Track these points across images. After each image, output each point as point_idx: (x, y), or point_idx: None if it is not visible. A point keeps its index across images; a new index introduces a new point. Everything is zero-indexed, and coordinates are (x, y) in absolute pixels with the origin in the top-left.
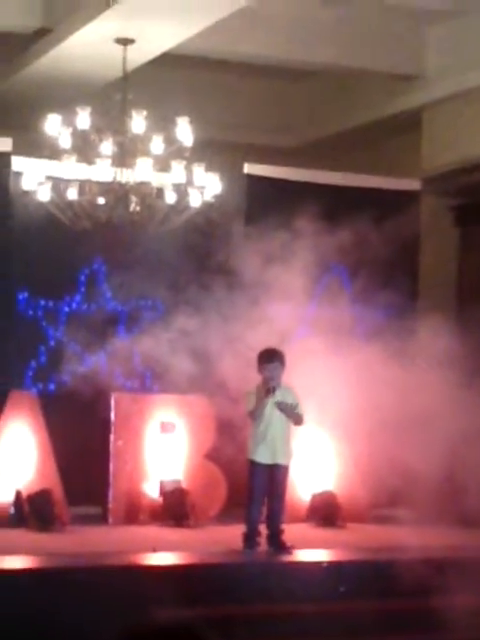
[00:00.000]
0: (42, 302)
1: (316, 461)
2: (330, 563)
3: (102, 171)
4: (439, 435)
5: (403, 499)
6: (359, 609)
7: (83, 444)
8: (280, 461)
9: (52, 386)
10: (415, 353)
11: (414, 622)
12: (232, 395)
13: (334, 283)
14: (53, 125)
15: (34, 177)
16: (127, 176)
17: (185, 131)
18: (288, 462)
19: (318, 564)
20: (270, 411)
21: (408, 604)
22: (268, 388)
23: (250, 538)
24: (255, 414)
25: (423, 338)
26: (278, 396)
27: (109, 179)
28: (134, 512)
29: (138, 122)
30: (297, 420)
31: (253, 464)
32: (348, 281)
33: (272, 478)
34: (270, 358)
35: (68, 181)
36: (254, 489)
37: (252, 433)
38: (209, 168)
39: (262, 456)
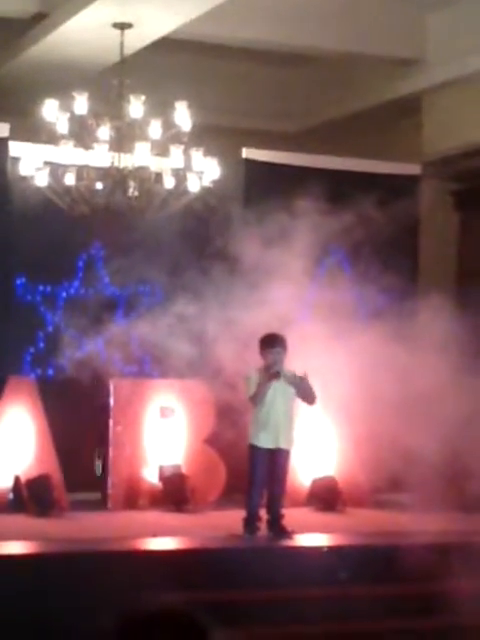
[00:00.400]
0: (40, 287)
1: (317, 445)
2: (330, 548)
3: (100, 156)
4: (441, 418)
5: (404, 484)
6: (359, 594)
7: (82, 430)
8: (282, 446)
9: (50, 371)
10: (416, 336)
11: (414, 607)
12: (231, 380)
13: (334, 266)
14: (50, 110)
15: (32, 162)
16: (125, 161)
17: (183, 116)
18: (290, 447)
19: (318, 549)
20: (272, 396)
21: (409, 589)
22: (272, 372)
23: (250, 523)
24: (257, 399)
25: (424, 320)
26: (283, 379)
27: (107, 164)
28: (133, 497)
29: (136, 107)
30: (311, 395)
31: (254, 449)
32: (348, 264)
33: (273, 462)
34: (272, 343)
35: (66, 166)
36: (255, 474)
37: (254, 418)
38: (207, 153)
39: (264, 441)
